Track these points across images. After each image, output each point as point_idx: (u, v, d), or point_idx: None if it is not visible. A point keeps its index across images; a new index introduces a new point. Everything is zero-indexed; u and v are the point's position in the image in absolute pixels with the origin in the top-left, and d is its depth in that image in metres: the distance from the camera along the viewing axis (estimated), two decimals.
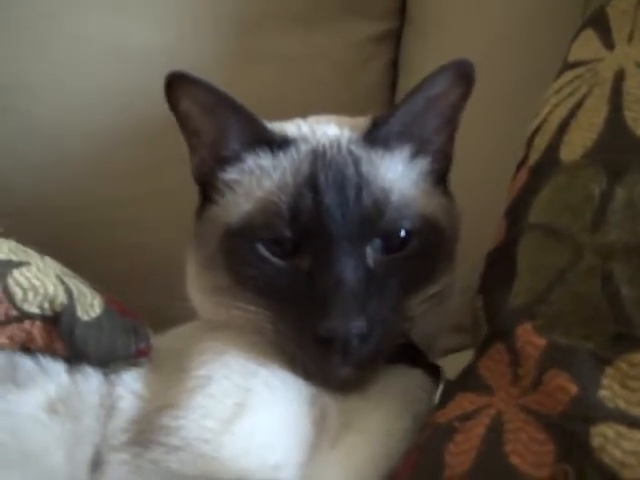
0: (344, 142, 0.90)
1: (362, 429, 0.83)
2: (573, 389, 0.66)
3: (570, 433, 0.65)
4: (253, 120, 0.90)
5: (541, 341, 0.71)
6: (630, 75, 0.81)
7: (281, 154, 0.90)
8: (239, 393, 0.83)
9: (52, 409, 0.81)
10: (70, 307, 0.85)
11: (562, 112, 0.86)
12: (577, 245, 0.73)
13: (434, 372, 0.92)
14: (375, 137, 0.90)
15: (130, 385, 0.86)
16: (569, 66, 0.92)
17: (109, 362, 0.87)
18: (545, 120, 0.88)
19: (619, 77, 0.82)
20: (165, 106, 0.92)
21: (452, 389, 0.81)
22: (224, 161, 0.92)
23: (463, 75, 0.90)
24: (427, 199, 0.91)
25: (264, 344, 0.86)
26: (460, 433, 0.73)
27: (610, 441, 0.63)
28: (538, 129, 0.88)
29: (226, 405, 0.82)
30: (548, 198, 0.79)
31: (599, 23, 0.92)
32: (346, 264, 0.82)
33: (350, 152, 0.89)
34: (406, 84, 1.48)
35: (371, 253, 0.85)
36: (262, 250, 0.86)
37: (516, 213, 0.84)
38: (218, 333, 0.89)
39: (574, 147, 0.80)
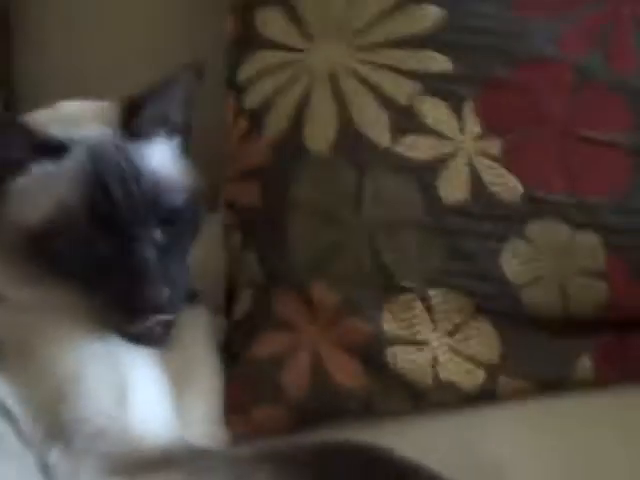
0: (111, 139, 1.05)
1: (196, 367, 1.08)
2: (366, 328, 1.02)
3: (371, 355, 1.02)
4: (30, 133, 1.02)
5: (336, 296, 1.04)
6: (343, 78, 1.08)
7: (64, 159, 1.02)
8: (112, 369, 1.00)
9: None
10: None
11: (290, 100, 1.09)
12: (347, 224, 1.05)
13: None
14: (133, 130, 1.06)
15: None
16: (265, 43, 1.14)
17: None
18: (273, 101, 1.11)
19: (334, 79, 1.08)
20: None
21: (249, 326, 1.08)
22: (5, 172, 1.02)
23: (197, 72, 1.09)
24: (185, 173, 1.10)
25: (81, 321, 1.02)
26: (288, 366, 1.03)
27: (397, 355, 1.01)
28: (266, 106, 1.12)
29: (111, 383, 0.99)
30: (310, 182, 1.07)
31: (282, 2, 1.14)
32: (144, 245, 1.00)
33: (120, 148, 1.04)
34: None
35: (158, 230, 1.03)
36: (66, 246, 1.00)
37: (271, 185, 1.09)
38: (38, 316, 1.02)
39: (318, 139, 1.07)
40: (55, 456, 0.95)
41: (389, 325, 1.02)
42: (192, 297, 1.10)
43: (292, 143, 1.09)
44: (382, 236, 1.04)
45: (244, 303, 1.10)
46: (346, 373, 1.02)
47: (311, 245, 1.06)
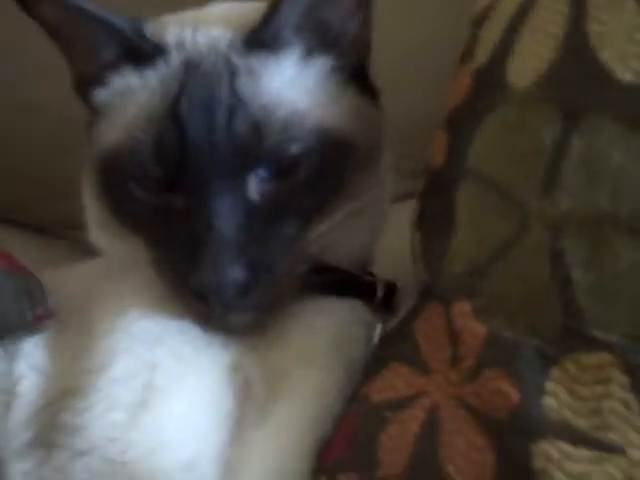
0: (222, 48, 0.76)
1: (290, 396, 0.74)
2: (514, 397, 0.57)
3: (509, 450, 0.56)
4: (118, 30, 0.77)
5: (481, 329, 0.61)
6: None
7: (149, 70, 0.77)
8: (145, 371, 0.73)
9: None
10: None
11: (512, 3, 0.67)
12: (524, 212, 0.60)
13: (371, 292, 0.82)
14: (262, 36, 0.76)
15: (33, 358, 0.75)
16: None
17: (2, 335, 0.75)
18: (493, 7, 0.70)
19: None
20: None
21: (384, 351, 0.73)
22: (94, 78, 0.80)
23: None
24: (328, 107, 0.78)
25: (148, 289, 0.78)
26: (393, 424, 0.65)
27: (553, 462, 0.54)
28: (486, 16, 0.71)
29: (132, 389, 0.72)
30: (493, 137, 0.65)
31: None
32: (219, 205, 0.72)
33: (227, 62, 0.75)
34: None
35: (255, 185, 0.74)
36: (134, 186, 0.76)
37: (456, 136, 0.70)
38: (117, 278, 0.80)
39: (524, 67, 0.64)
40: (23, 470, 0.71)
41: (554, 400, 0.55)
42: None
43: (493, 74, 0.67)
44: (576, 241, 0.57)
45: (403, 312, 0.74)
46: (465, 463, 0.58)
47: (473, 243, 0.65)
